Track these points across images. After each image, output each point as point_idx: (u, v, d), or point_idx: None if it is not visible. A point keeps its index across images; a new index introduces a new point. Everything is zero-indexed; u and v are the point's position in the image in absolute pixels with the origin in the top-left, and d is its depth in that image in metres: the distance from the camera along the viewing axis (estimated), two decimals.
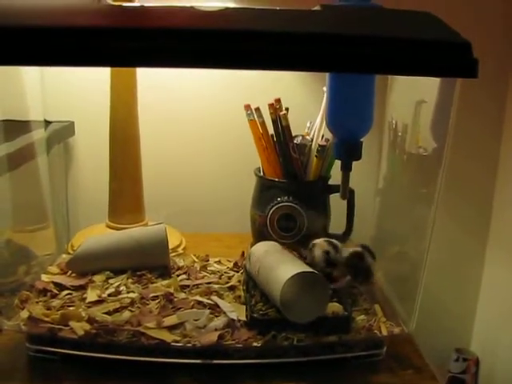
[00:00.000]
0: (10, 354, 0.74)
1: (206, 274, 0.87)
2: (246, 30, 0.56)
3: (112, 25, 0.58)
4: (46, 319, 0.72)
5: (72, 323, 0.71)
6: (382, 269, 0.88)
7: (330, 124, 0.80)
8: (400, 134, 0.88)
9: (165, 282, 0.82)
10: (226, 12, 0.61)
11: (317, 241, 0.81)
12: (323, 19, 0.64)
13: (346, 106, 0.77)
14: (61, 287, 0.81)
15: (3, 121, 0.85)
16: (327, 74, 0.77)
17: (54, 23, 0.56)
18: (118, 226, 1.02)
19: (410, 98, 0.84)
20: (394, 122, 0.89)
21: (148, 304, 0.76)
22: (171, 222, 1.02)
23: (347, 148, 0.80)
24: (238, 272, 0.88)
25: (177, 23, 0.58)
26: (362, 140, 0.80)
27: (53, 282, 0.82)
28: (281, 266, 0.75)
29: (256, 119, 0.94)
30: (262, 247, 0.84)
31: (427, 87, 0.76)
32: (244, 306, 0.76)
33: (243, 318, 0.73)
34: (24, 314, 0.73)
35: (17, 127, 0.91)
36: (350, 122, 0.78)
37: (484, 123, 1.19)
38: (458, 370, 1.23)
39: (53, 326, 0.71)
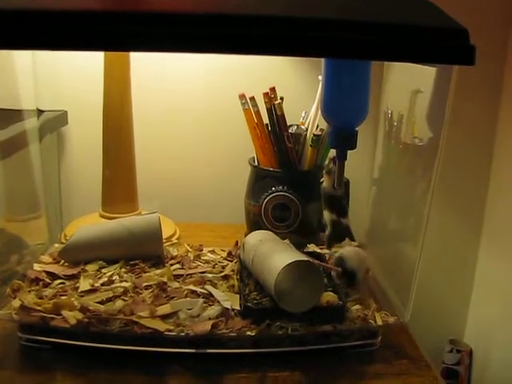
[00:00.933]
0: (1, 342, 0.73)
1: (199, 263, 0.87)
2: (242, 14, 0.56)
3: (108, 8, 0.57)
4: (38, 308, 0.71)
5: (64, 312, 0.70)
6: (376, 259, 0.88)
7: (325, 112, 0.79)
8: (395, 123, 0.88)
9: (158, 272, 0.82)
10: None
11: None
12: (320, 4, 0.63)
13: (342, 95, 0.76)
14: (53, 276, 0.80)
15: None
16: (323, 62, 0.77)
17: (49, 6, 0.56)
18: (112, 215, 1.01)
19: (405, 88, 0.84)
20: (389, 111, 0.89)
21: (141, 293, 0.76)
22: (165, 212, 1.01)
23: (342, 137, 0.79)
24: (231, 261, 0.87)
25: (173, 7, 0.57)
26: (357, 129, 0.79)
27: (45, 271, 0.81)
28: (275, 255, 0.74)
29: (251, 108, 0.94)
30: (257, 236, 0.83)
31: (423, 76, 0.75)
32: (238, 296, 0.75)
33: (237, 307, 0.73)
34: (16, 303, 0.73)
35: (8, 116, 0.90)
36: (346, 110, 0.77)
37: (479, 111, 1.19)
38: (451, 361, 1.24)
39: (45, 315, 0.70)
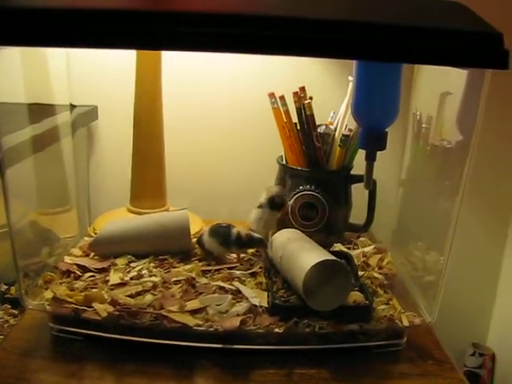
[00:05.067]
0: (33, 332, 0.75)
1: (227, 259, 0.87)
2: (271, 16, 0.56)
3: (141, 8, 0.58)
4: (70, 300, 0.73)
5: (95, 305, 0.71)
6: (402, 260, 0.88)
7: (355, 113, 0.79)
8: (424, 125, 0.88)
9: (187, 267, 0.83)
10: None
11: None
12: (353, 7, 0.63)
13: (373, 96, 0.76)
14: (84, 269, 0.82)
15: (32, 104, 0.85)
16: (355, 64, 0.77)
17: (82, 5, 0.57)
18: (140, 210, 1.03)
19: (434, 90, 0.84)
20: (418, 113, 0.89)
21: (170, 288, 0.77)
22: (192, 208, 1.02)
23: (372, 138, 0.79)
24: (258, 259, 0.88)
25: (203, 8, 0.58)
26: (387, 130, 0.80)
27: (76, 264, 0.83)
28: (304, 254, 0.75)
29: (280, 107, 0.94)
30: (285, 234, 0.84)
31: (453, 78, 0.75)
32: (265, 293, 0.76)
33: (265, 304, 0.73)
34: (48, 294, 0.75)
35: (44, 110, 0.91)
36: (376, 111, 0.77)
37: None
38: (473, 364, 1.23)
39: (77, 306, 0.72)
